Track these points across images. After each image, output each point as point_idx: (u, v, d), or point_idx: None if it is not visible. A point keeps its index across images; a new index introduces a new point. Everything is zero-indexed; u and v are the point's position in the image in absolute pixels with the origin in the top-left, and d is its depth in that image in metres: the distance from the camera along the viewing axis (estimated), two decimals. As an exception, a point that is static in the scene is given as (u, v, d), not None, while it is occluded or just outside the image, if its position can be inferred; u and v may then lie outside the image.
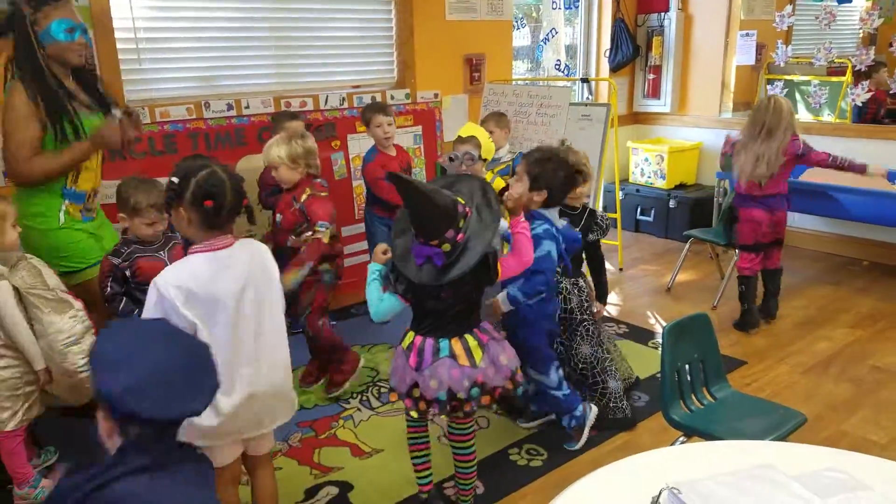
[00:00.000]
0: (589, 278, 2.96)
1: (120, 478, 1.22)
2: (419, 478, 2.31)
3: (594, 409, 2.72)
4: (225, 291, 1.79)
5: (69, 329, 2.30)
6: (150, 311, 1.74)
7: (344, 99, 4.15)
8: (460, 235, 1.93)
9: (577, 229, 2.79)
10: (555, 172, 2.46)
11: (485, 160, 3.18)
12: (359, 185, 4.25)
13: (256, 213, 3.08)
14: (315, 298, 2.98)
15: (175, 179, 1.77)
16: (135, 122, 2.73)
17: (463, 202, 1.96)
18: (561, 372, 2.65)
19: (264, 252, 1.94)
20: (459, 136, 3.32)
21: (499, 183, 2.48)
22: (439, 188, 1.97)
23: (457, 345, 2.04)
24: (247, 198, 1.87)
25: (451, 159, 3.16)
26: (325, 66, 4.17)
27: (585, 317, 2.78)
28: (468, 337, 2.06)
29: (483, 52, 4.76)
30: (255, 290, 1.85)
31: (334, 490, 2.44)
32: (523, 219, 2.20)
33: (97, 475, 1.22)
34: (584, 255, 2.91)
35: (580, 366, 2.79)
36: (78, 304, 2.37)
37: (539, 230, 2.40)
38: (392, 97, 4.36)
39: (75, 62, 2.56)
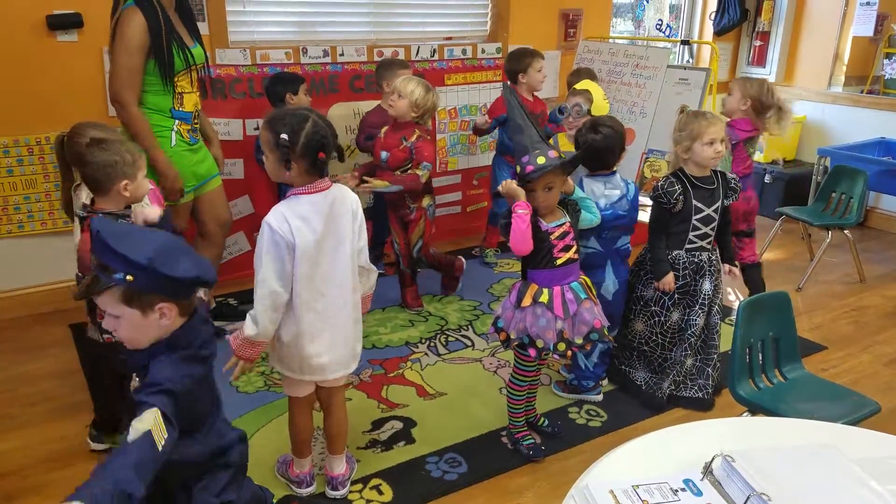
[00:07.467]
0: None
1: None
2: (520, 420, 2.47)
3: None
4: (315, 232, 1.90)
5: None
6: (266, 250, 1.84)
7: (435, 51, 4.17)
8: None
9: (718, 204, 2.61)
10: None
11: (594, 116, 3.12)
12: (442, 139, 4.30)
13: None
14: (424, 231, 3.34)
15: (285, 136, 1.82)
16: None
17: None
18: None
19: (352, 196, 2.03)
20: (574, 88, 3.27)
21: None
22: None
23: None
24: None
25: (560, 111, 3.15)
26: (418, 16, 4.18)
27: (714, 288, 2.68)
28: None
29: (581, 6, 4.64)
30: (335, 234, 1.94)
31: (399, 424, 2.57)
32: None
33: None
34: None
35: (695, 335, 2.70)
36: None
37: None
38: (483, 51, 4.34)
39: None
